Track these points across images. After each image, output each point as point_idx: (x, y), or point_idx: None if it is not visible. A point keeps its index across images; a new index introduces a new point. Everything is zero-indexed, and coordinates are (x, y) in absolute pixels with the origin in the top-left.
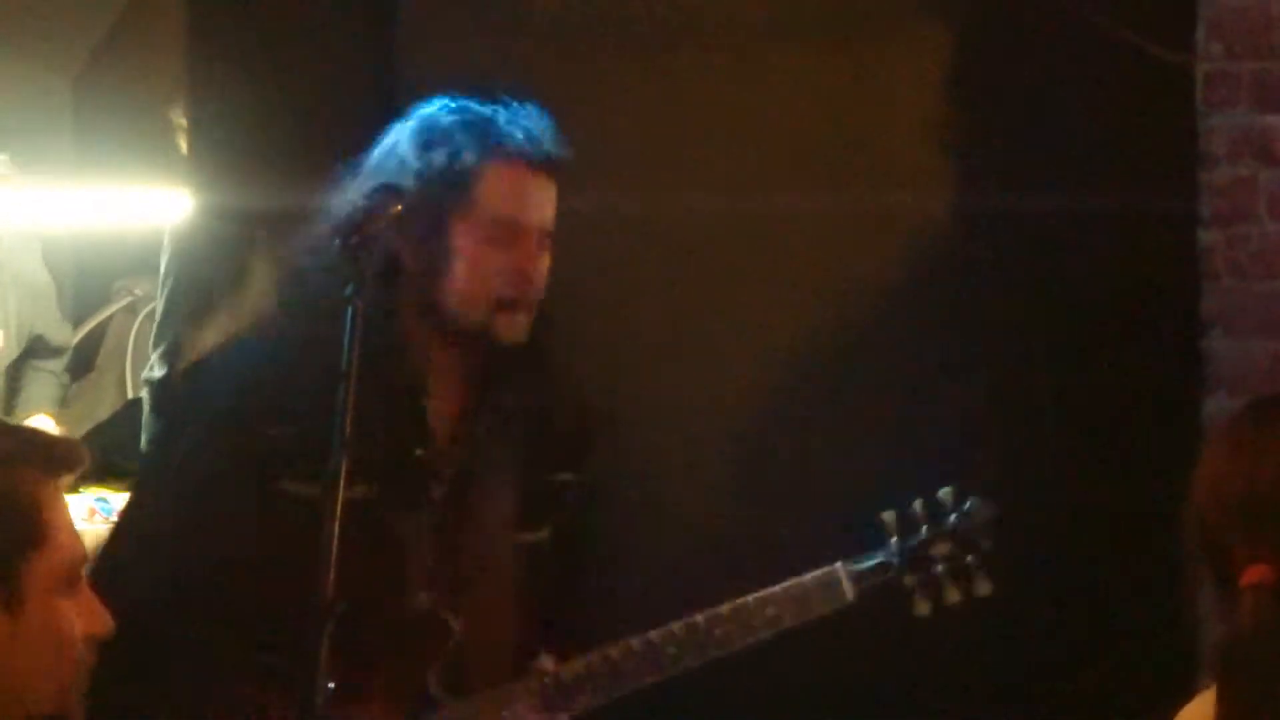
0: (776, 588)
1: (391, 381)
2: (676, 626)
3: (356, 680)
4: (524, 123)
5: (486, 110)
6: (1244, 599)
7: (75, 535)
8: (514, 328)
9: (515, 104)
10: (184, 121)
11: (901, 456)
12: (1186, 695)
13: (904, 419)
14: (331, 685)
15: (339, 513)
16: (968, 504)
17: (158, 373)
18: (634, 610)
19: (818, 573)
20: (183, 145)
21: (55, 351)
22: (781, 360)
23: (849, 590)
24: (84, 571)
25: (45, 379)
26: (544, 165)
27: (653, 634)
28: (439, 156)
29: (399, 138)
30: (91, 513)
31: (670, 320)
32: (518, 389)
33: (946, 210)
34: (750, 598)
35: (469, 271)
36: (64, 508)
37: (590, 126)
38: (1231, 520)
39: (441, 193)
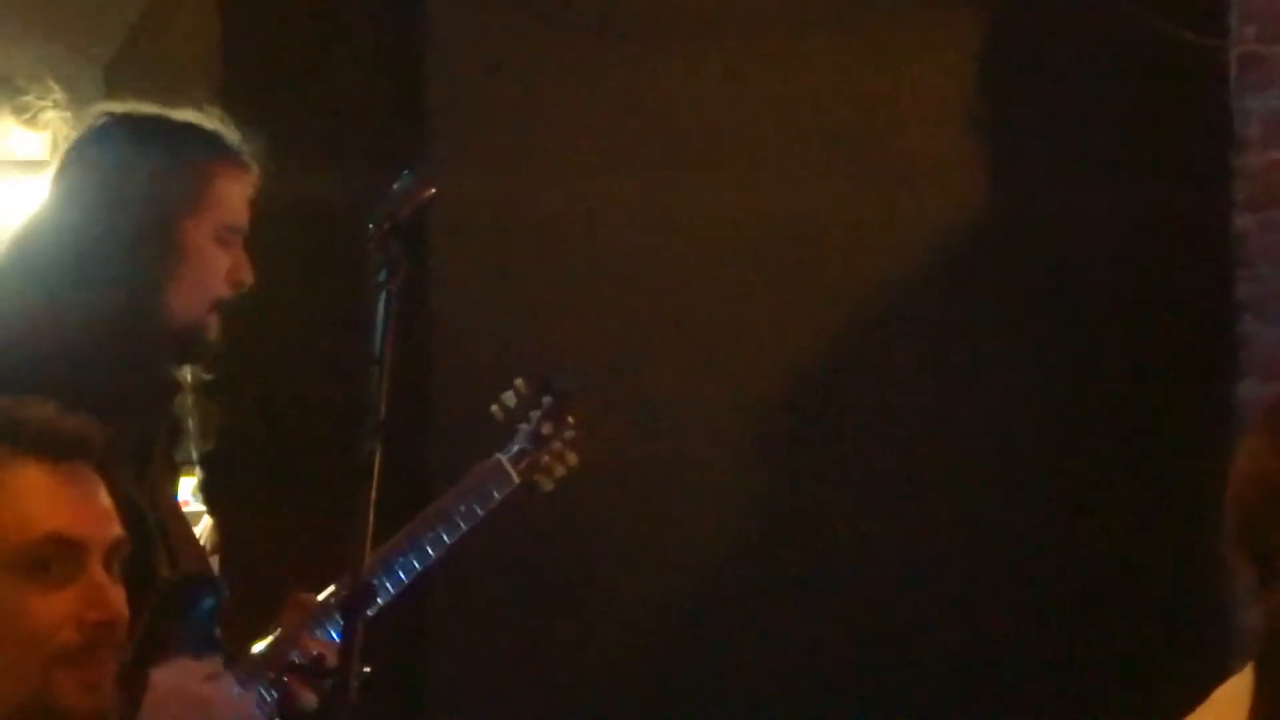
0: (457, 485)
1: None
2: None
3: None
4: (234, 127)
5: (196, 115)
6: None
7: None
8: (218, 328)
9: (214, 110)
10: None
11: (937, 443)
12: (1221, 678)
13: (936, 408)
14: (367, 669)
15: (373, 500)
16: (555, 382)
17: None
18: (644, 606)
19: (485, 464)
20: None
21: None
22: (812, 353)
23: (513, 474)
24: None
25: None
26: (253, 169)
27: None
28: (163, 156)
29: (98, 146)
30: None
31: (689, 316)
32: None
33: (978, 198)
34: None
35: (194, 272)
36: None
37: (615, 117)
38: (1270, 505)
39: (170, 193)
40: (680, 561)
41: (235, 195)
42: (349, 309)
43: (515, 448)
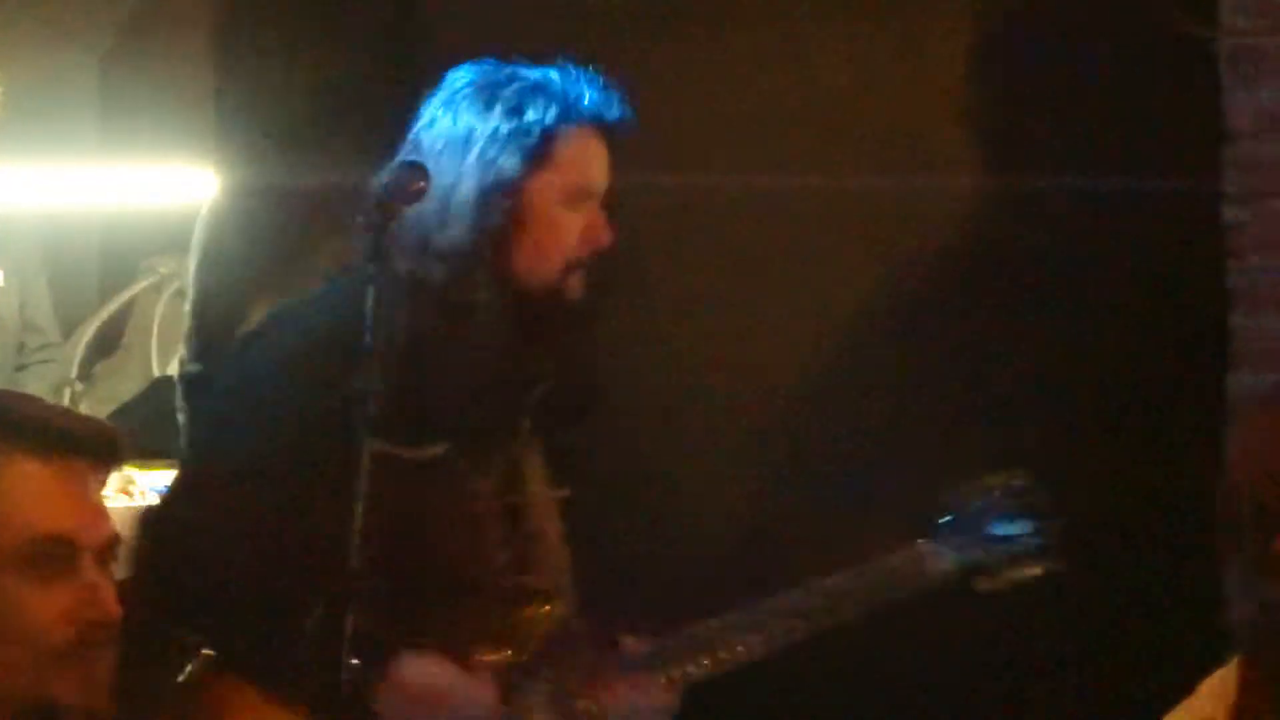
0: (859, 568)
1: (474, 348)
2: (766, 605)
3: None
4: (590, 86)
5: (549, 73)
6: (1275, 572)
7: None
8: (579, 288)
9: (571, 67)
10: None
11: (926, 438)
12: (1207, 672)
13: (927, 399)
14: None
15: (365, 488)
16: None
17: (191, 367)
18: (674, 597)
19: (902, 552)
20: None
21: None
22: (812, 339)
23: (936, 568)
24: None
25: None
26: (613, 129)
27: (741, 613)
28: (512, 119)
29: (453, 105)
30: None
31: (702, 302)
32: (562, 350)
33: (973, 187)
34: (833, 578)
35: (544, 233)
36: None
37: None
38: (1264, 495)
39: (515, 155)
40: (713, 550)
41: (584, 156)
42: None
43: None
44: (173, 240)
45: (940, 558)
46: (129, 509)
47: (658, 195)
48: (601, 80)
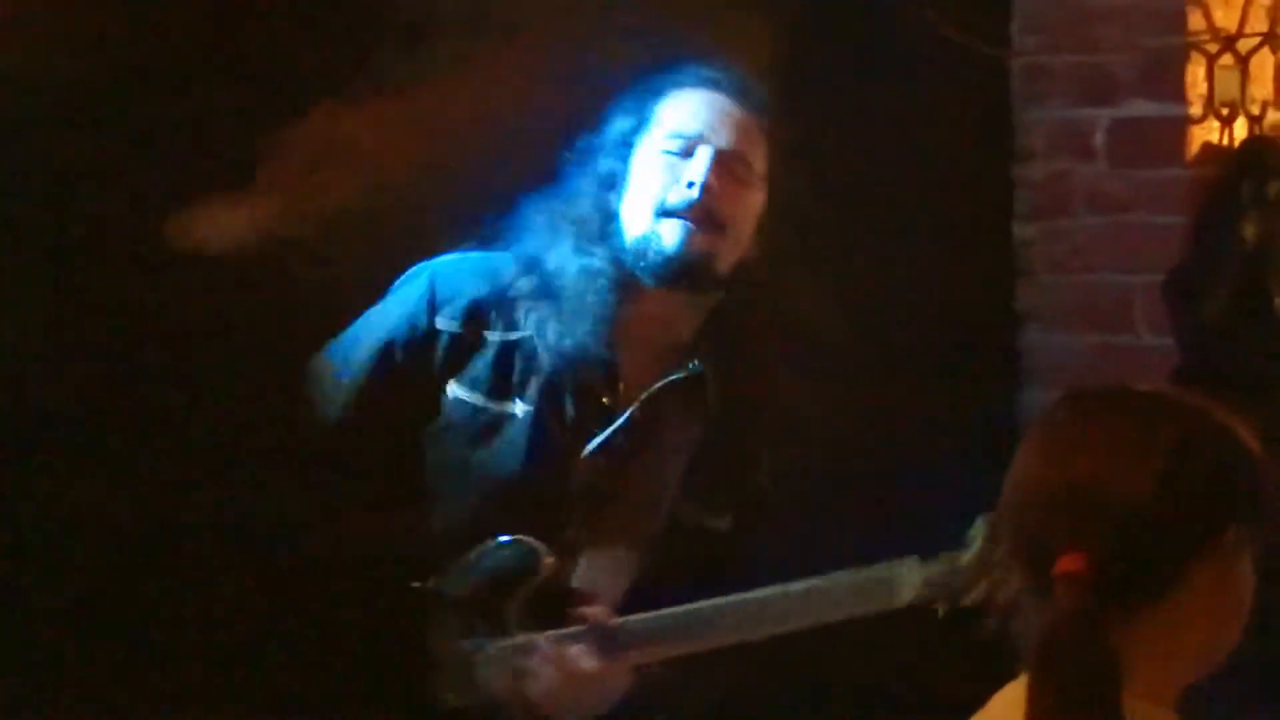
0: (846, 575)
1: (586, 329)
2: (748, 596)
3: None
4: (719, 62)
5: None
6: (1057, 589)
7: None
8: (678, 236)
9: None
10: None
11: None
12: (995, 685)
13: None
14: None
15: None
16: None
17: None
18: None
19: (889, 566)
20: None
21: None
22: None
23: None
24: None
25: None
26: (731, 93)
27: (720, 601)
28: (635, 95)
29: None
30: None
31: None
32: (714, 356)
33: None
34: (812, 582)
35: (638, 179)
36: None
37: (416, 119)
38: (1047, 512)
39: (631, 123)
40: None
41: (685, 107)
42: None
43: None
44: None
45: (915, 578)
46: None
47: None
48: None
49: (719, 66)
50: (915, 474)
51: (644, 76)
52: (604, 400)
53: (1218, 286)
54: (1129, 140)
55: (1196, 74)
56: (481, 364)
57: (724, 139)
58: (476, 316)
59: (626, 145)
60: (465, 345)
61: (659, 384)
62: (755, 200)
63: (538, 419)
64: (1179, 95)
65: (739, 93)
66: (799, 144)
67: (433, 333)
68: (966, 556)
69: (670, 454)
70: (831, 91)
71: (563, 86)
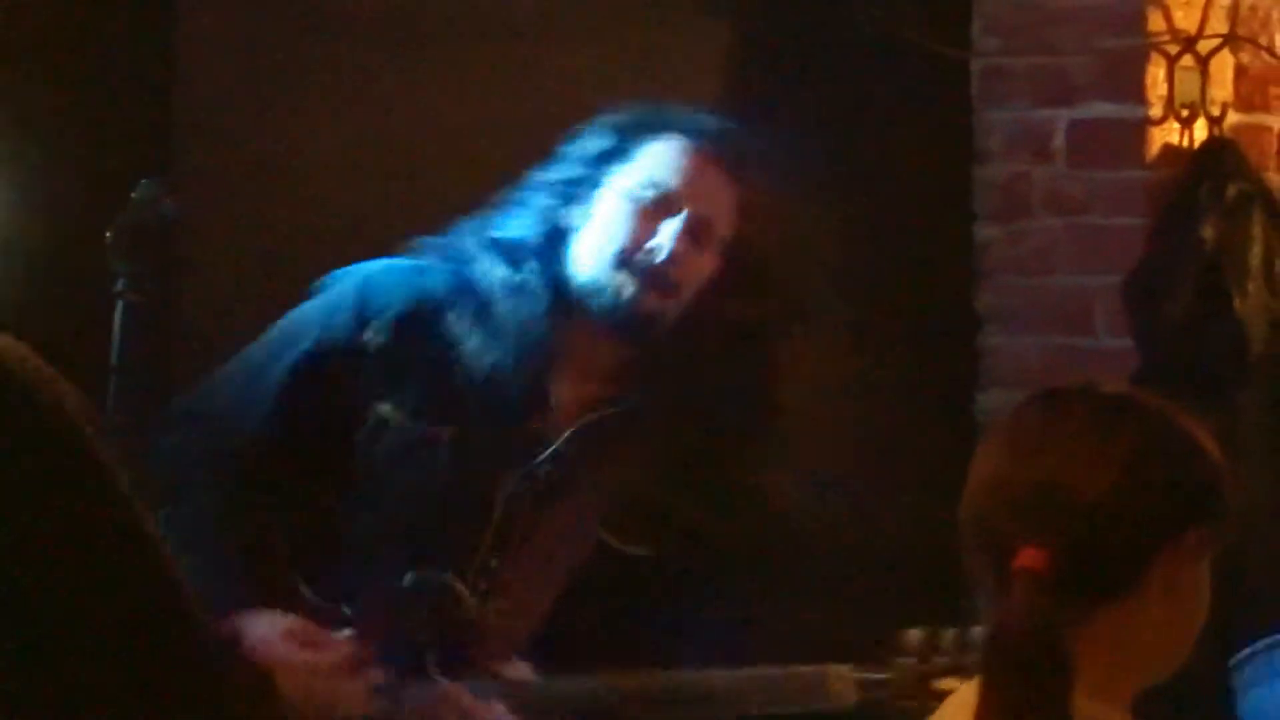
0: (774, 670)
1: (521, 352)
2: (676, 678)
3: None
4: (706, 118)
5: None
6: (1014, 586)
7: None
8: (631, 294)
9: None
10: None
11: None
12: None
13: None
14: None
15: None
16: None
17: None
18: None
19: (819, 668)
20: None
21: None
22: None
23: (851, 695)
24: None
25: None
26: (717, 155)
27: (646, 678)
28: (616, 127)
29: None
30: None
31: None
32: (650, 389)
33: None
34: (742, 672)
35: (602, 219)
36: None
37: (367, 124)
38: (1008, 509)
39: (602, 165)
40: None
41: (659, 160)
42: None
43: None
44: None
45: (847, 684)
46: None
47: (396, 213)
48: (730, 123)
49: (714, 123)
50: (874, 474)
51: (631, 112)
52: (535, 427)
53: (1178, 288)
54: (1088, 141)
55: (1157, 75)
56: (410, 381)
57: (700, 204)
58: (407, 330)
59: (596, 177)
60: (393, 360)
61: (592, 415)
62: (711, 263)
63: (464, 443)
64: (1138, 96)
65: (728, 155)
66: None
67: (360, 345)
68: (906, 664)
69: (598, 487)
70: (791, 94)
71: (536, 102)
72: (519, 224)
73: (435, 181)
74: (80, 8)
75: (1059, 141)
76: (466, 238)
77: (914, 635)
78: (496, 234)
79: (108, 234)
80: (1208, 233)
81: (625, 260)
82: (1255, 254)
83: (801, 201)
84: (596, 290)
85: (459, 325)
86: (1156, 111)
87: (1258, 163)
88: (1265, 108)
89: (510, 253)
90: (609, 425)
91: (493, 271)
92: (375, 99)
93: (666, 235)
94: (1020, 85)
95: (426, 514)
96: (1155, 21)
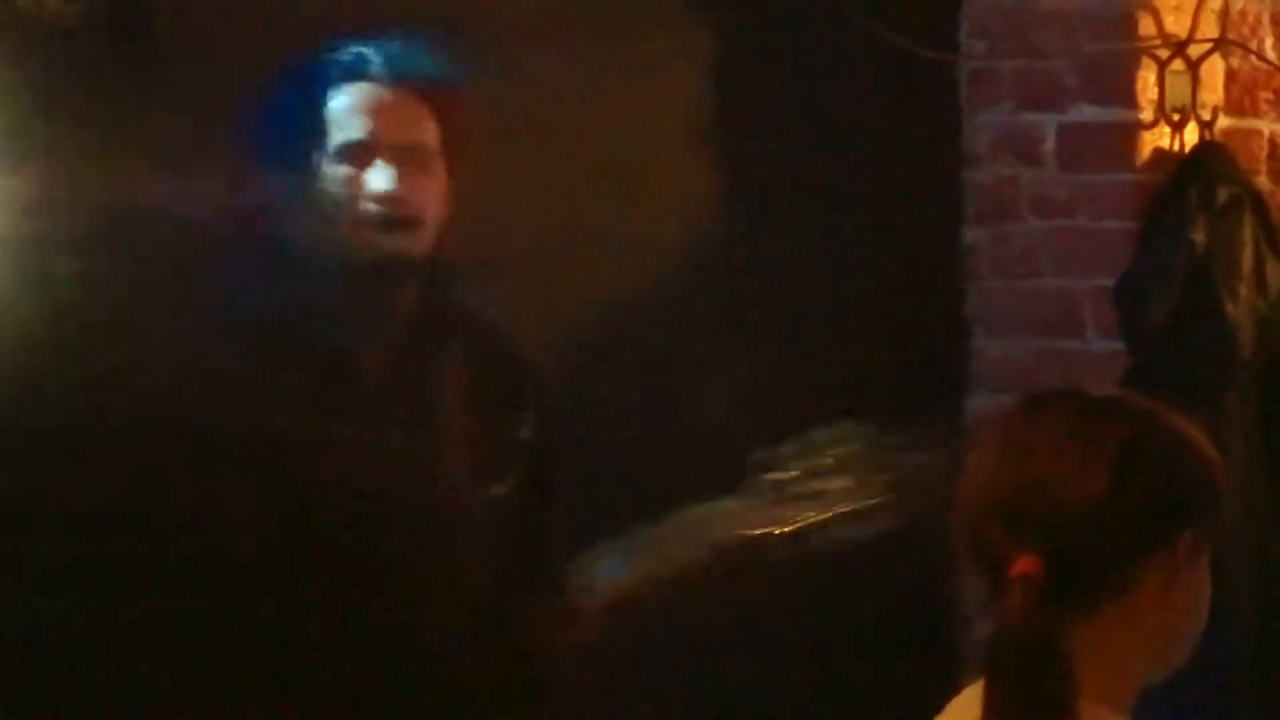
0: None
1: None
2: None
3: None
4: (382, 48)
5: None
6: (1011, 591)
7: None
8: (375, 245)
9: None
10: None
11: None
12: (952, 692)
13: (660, 426)
14: None
15: None
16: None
17: None
18: None
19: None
20: None
21: None
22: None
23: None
24: None
25: None
26: (386, 74)
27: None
28: (302, 96)
29: None
30: None
31: None
32: (449, 336)
33: (710, 211)
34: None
35: (329, 198)
36: None
37: None
38: (1000, 514)
39: (302, 127)
40: None
41: (343, 110)
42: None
43: None
44: None
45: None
46: None
47: None
48: (408, 41)
49: (367, 47)
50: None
51: (301, 76)
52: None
53: (1167, 291)
54: (1078, 145)
55: (1147, 79)
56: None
57: (391, 133)
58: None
59: (306, 157)
60: None
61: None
62: (439, 176)
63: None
64: (1127, 100)
65: (393, 71)
66: (743, 146)
67: None
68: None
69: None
70: (778, 97)
71: (523, 105)
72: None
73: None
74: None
75: (1048, 145)
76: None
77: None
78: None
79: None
80: (1197, 236)
81: (357, 219)
82: (1245, 257)
83: (788, 200)
84: (345, 252)
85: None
86: (1147, 115)
87: (1247, 166)
88: (1255, 112)
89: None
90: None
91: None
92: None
93: (380, 181)
94: (1008, 88)
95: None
96: (1146, 25)
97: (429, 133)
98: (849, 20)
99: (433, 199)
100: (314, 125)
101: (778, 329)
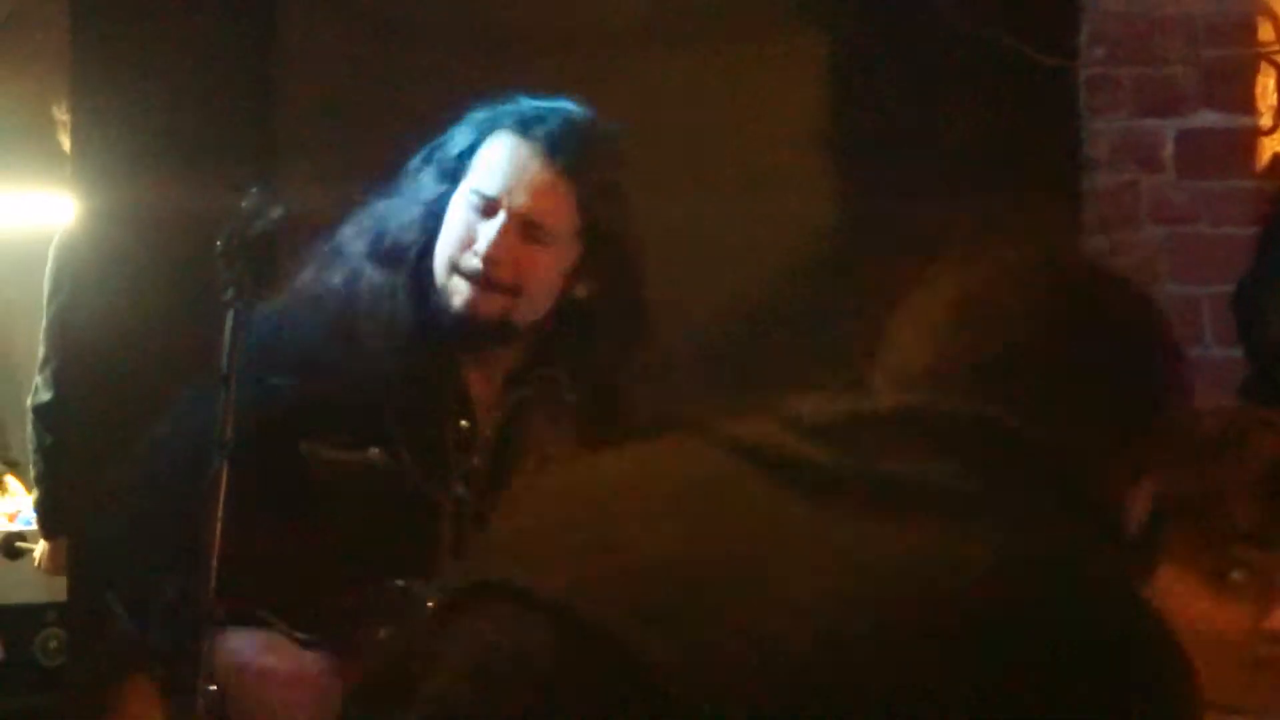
0: None
1: (429, 356)
2: None
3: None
4: (545, 109)
5: (518, 99)
6: None
7: None
8: (467, 298)
9: (556, 98)
10: (66, 116)
11: None
12: None
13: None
14: (213, 688)
15: (220, 514)
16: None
17: (45, 396)
18: None
19: None
20: (65, 142)
21: None
22: (672, 366)
23: None
24: None
25: None
26: (547, 152)
27: None
28: (455, 139)
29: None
30: None
31: None
32: (558, 365)
33: (829, 217)
34: None
35: (445, 235)
36: None
37: None
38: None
39: (447, 171)
40: None
41: (492, 163)
42: (199, 326)
43: None
44: (23, 265)
45: None
46: None
47: None
48: (572, 110)
49: (559, 117)
50: None
51: (488, 107)
52: (462, 424)
53: None
54: (1196, 151)
55: (1266, 84)
56: (327, 413)
57: (521, 201)
58: (309, 364)
59: (443, 191)
60: (306, 397)
61: (513, 396)
62: (553, 260)
63: (397, 460)
64: (1247, 106)
65: (552, 145)
66: (865, 153)
67: (269, 389)
68: None
69: (540, 462)
70: (900, 105)
71: (630, 110)
72: (399, 226)
73: None
74: (185, 25)
75: (1167, 151)
76: (351, 245)
77: None
78: (377, 240)
79: (217, 243)
80: None
81: (455, 266)
82: None
83: (907, 208)
84: (444, 297)
85: (359, 347)
86: (1266, 121)
87: None
88: None
89: (392, 263)
90: (525, 407)
91: (380, 287)
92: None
93: (486, 239)
94: (1128, 95)
95: (377, 535)
96: (1265, 31)
97: (562, 219)
98: (969, 27)
99: (542, 275)
100: (461, 165)
101: None
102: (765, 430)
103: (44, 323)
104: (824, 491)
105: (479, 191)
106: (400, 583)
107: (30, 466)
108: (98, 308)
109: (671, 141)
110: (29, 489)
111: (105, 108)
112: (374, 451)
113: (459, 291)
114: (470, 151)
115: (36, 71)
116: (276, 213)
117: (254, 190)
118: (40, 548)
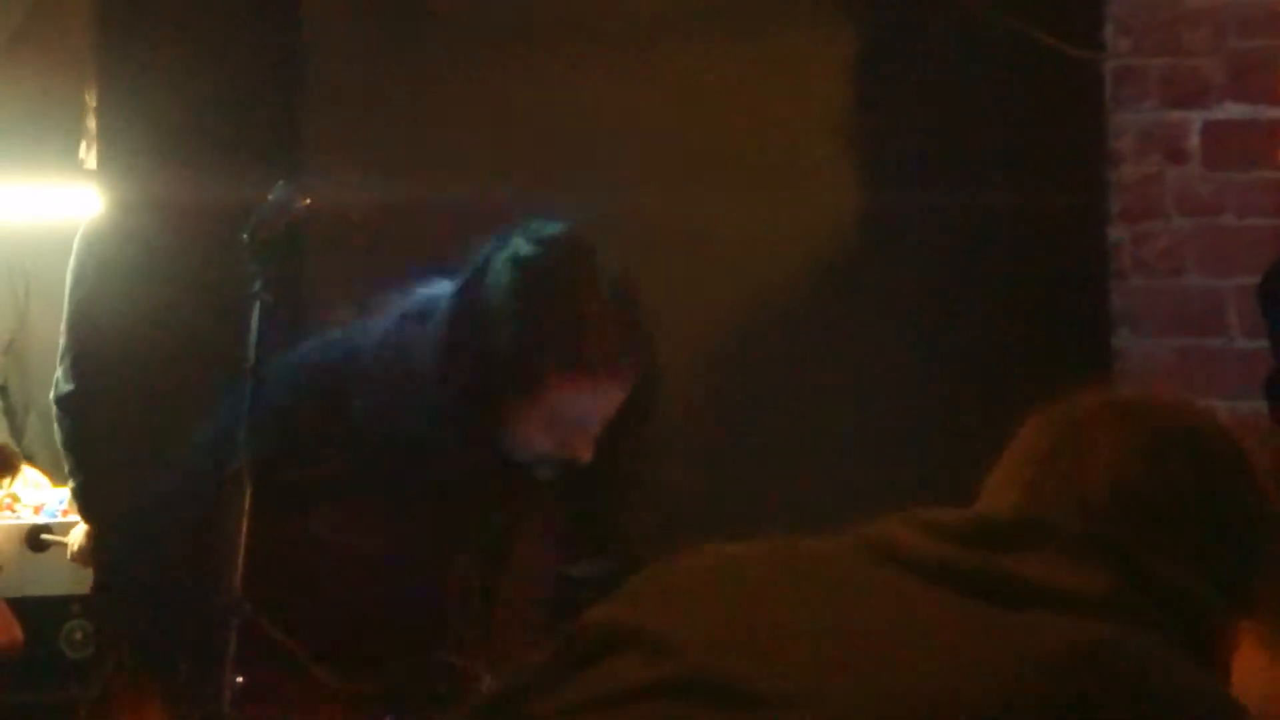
0: None
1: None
2: None
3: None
4: (610, 329)
5: (581, 305)
6: None
7: None
8: (547, 473)
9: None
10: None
11: (807, 454)
12: None
13: (807, 420)
14: (240, 679)
15: (247, 510)
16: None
17: (66, 387)
18: None
19: None
20: (91, 125)
21: None
22: (689, 358)
23: None
24: None
25: None
26: (618, 377)
27: None
28: (528, 332)
29: (500, 276)
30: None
31: None
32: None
33: (857, 207)
34: None
35: (521, 440)
36: None
37: (494, 125)
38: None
39: (519, 365)
40: None
41: (574, 401)
42: (225, 318)
43: None
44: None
45: None
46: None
47: (521, 215)
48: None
49: (616, 347)
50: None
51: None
52: (480, 502)
53: None
54: (1222, 143)
55: None
56: (346, 478)
57: (604, 418)
58: (336, 446)
59: (500, 403)
60: (329, 476)
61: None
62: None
63: (409, 533)
64: (1273, 97)
65: (623, 375)
66: (891, 145)
67: (291, 463)
68: None
69: (544, 534)
70: (925, 96)
71: (661, 102)
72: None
73: (560, 179)
74: (210, 16)
75: (1193, 142)
76: (403, 331)
77: None
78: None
79: (244, 235)
80: None
81: (542, 457)
82: None
83: (933, 199)
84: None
85: (389, 428)
86: None
87: None
88: None
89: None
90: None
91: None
92: (499, 100)
93: (579, 454)
94: (1153, 86)
95: (390, 610)
96: None
97: (610, 410)
98: (995, 19)
99: (589, 446)
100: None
101: (921, 328)
102: (888, 527)
103: (65, 315)
104: (943, 581)
105: (569, 421)
106: (441, 656)
107: (62, 460)
108: (122, 300)
109: (696, 134)
110: (54, 482)
111: (130, 99)
112: (388, 537)
113: (545, 472)
114: (538, 373)
115: (63, 62)
116: (302, 205)
117: (280, 182)
118: (74, 539)
